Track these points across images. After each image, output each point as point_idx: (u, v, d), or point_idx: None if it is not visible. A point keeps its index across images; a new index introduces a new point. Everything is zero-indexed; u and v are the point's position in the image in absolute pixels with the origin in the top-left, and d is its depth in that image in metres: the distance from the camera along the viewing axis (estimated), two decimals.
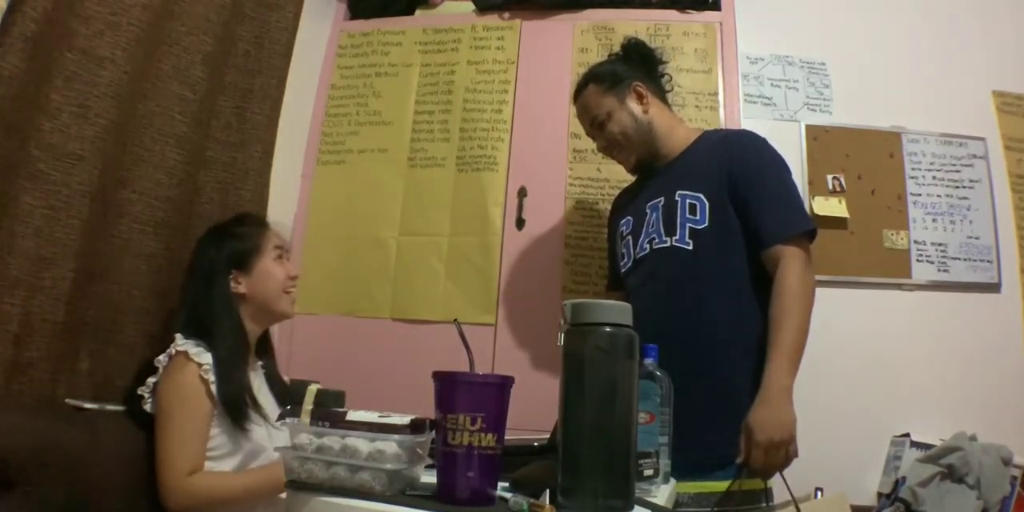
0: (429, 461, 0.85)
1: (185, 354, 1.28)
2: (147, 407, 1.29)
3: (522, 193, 2.11)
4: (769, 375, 1.31)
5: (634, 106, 1.61)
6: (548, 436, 1.10)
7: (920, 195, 2.07)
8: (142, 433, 1.29)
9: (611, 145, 1.65)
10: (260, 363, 1.47)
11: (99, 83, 1.34)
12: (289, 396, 0.99)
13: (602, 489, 0.77)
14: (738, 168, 1.48)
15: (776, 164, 1.51)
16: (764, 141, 1.55)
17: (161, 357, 1.31)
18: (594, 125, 1.65)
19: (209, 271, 1.40)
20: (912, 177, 2.08)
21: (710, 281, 1.45)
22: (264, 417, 1.33)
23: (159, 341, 1.43)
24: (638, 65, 1.66)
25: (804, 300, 1.37)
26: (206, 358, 1.29)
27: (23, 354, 1.20)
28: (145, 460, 1.27)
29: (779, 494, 1.32)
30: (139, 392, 1.30)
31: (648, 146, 1.61)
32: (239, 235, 1.46)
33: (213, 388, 1.28)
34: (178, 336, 1.32)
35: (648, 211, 1.56)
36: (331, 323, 2.11)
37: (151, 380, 1.31)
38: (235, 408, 1.28)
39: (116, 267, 1.42)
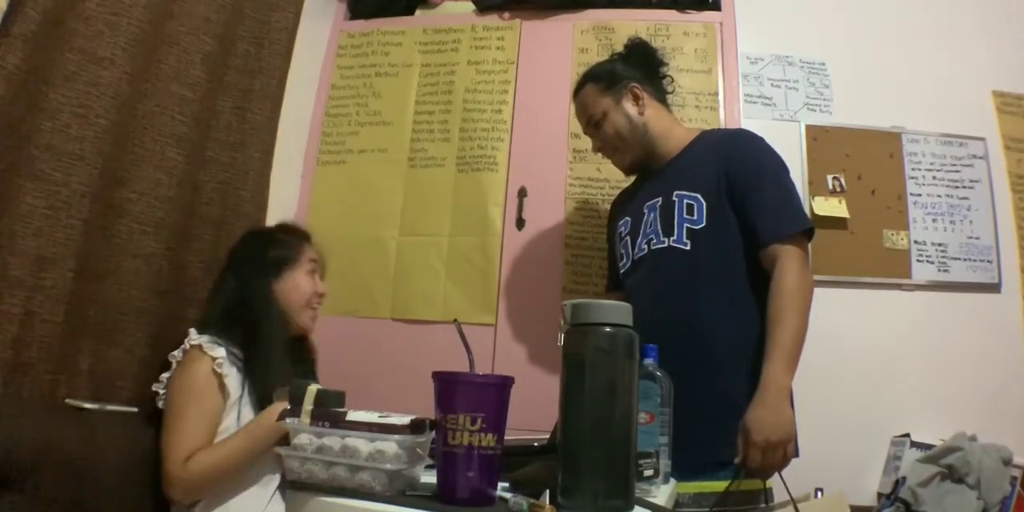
0: (429, 461, 0.85)
1: (199, 347, 1.30)
2: (160, 404, 1.31)
3: (522, 193, 2.11)
4: (766, 375, 1.30)
5: (630, 107, 1.61)
6: (548, 436, 1.10)
7: (920, 195, 2.07)
8: (142, 433, 1.30)
9: (606, 146, 1.66)
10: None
11: (99, 83, 1.34)
12: (289, 396, 0.99)
13: (602, 489, 0.77)
14: (735, 167, 1.48)
15: (773, 163, 1.51)
16: (761, 140, 1.55)
17: (175, 352, 1.33)
18: (590, 125, 1.65)
19: (253, 268, 1.42)
20: (912, 177, 2.08)
21: (708, 281, 1.45)
22: None
23: (161, 340, 1.44)
24: (638, 66, 1.66)
25: (802, 299, 1.36)
26: (219, 351, 1.30)
27: (23, 354, 1.20)
28: (145, 460, 1.27)
29: (779, 494, 1.32)
30: (154, 388, 1.32)
31: (643, 147, 1.61)
32: (280, 242, 1.48)
33: (226, 381, 1.29)
34: (192, 331, 1.34)
35: (646, 212, 1.56)
36: (331, 323, 2.10)
37: (164, 376, 1.33)
38: (264, 397, 1.30)
39: (116, 267, 1.42)
